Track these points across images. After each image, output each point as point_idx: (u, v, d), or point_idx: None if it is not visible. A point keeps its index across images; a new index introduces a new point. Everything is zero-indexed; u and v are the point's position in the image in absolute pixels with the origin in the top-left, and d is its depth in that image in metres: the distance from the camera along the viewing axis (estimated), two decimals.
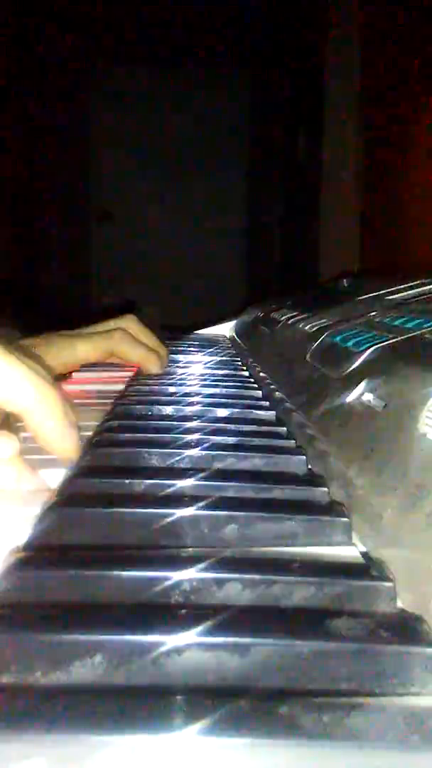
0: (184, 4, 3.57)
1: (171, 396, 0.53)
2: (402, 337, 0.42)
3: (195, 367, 0.71)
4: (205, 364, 0.74)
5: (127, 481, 0.31)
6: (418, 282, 0.65)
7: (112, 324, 0.67)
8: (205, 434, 0.40)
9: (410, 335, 0.42)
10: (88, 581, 0.22)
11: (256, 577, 0.22)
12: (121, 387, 0.60)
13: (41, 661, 0.18)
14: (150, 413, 0.48)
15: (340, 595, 0.22)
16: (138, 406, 0.49)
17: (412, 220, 1.64)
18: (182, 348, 0.88)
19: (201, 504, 0.28)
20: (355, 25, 2.15)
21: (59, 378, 0.67)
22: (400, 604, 0.22)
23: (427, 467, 0.26)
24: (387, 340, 0.42)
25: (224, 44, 3.66)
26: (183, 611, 0.21)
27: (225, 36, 3.65)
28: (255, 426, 0.43)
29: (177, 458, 0.36)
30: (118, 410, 0.48)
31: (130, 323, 0.68)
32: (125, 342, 0.66)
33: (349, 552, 0.26)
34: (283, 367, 0.60)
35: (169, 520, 0.27)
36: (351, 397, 0.38)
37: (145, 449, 0.37)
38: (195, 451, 0.36)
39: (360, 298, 0.69)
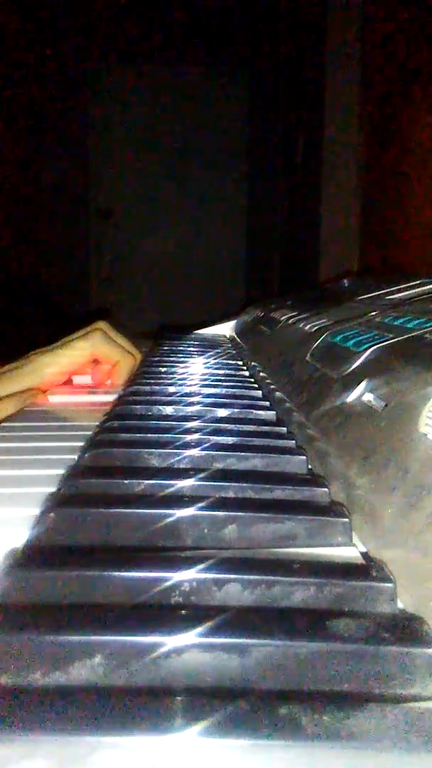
0: (183, 3, 3.57)
1: (171, 396, 0.53)
2: (402, 337, 0.42)
3: (195, 367, 0.71)
4: (205, 364, 0.74)
5: (126, 481, 0.31)
6: (418, 282, 0.65)
7: (82, 332, 0.67)
8: (205, 434, 0.40)
9: (410, 335, 0.42)
10: (88, 582, 0.22)
11: (256, 577, 0.22)
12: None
13: (41, 662, 0.18)
14: (150, 413, 0.48)
15: (340, 595, 0.22)
16: (138, 406, 0.49)
17: (412, 220, 1.63)
18: (182, 348, 0.88)
19: (201, 504, 0.28)
20: (354, 24, 2.15)
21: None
22: (400, 604, 0.22)
23: (427, 467, 0.26)
24: (387, 340, 0.42)
25: (224, 44, 3.66)
26: (183, 612, 0.21)
27: (225, 36, 3.65)
28: (255, 426, 0.43)
29: (177, 458, 0.36)
30: (118, 410, 0.48)
31: (104, 327, 0.68)
32: (104, 341, 0.66)
33: (350, 552, 0.26)
34: (283, 367, 0.60)
35: (169, 520, 0.27)
36: (351, 397, 0.38)
37: (145, 449, 0.36)
38: (195, 451, 0.36)
39: (360, 298, 0.69)
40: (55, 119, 3.68)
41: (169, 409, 0.48)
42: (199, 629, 0.19)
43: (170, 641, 0.19)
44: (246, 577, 0.22)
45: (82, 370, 0.67)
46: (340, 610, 0.21)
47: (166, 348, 0.87)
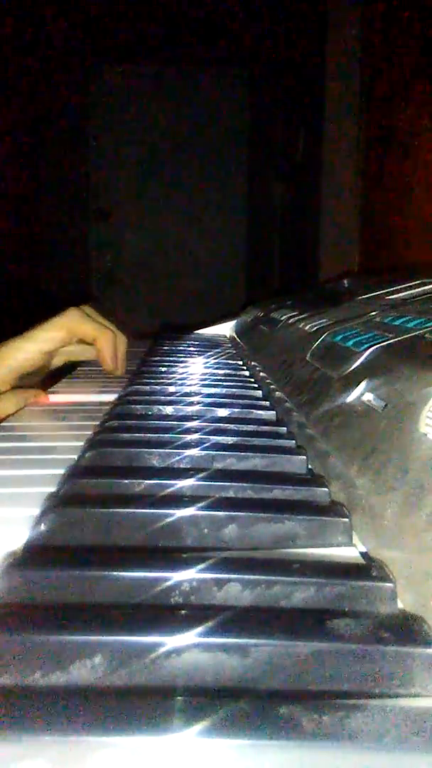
0: (184, 3, 3.57)
1: (171, 396, 0.53)
2: (402, 337, 0.42)
3: (195, 367, 0.71)
4: (205, 363, 0.74)
5: (127, 481, 0.31)
6: (418, 282, 0.65)
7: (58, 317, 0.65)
8: (205, 434, 0.40)
9: (410, 335, 0.42)
10: (88, 581, 0.22)
11: (256, 577, 0.22)
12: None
13: (41, 662, 0.18)
14: (150, 413, 0.48)
15: (340, 595, 0.22)
16: (138, 406, 0.49)
17: (412, 220, 1.63)
18: (182, 348, 0.88)
19: (201, 504, 0.28)
20: (355, 24, 2.15)
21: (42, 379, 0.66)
22: (400, 604, 0.22)
23: (427, 467, 0.26)
24: (387, 340, 0.42)
25: (224, 43, 3.66)
26: (183, 612, 0.21)
27: (225, 35, 3.64)
28: (255, 426, 0.43)
29: (177, 458, 0.36)
30: (118, 410, 0.48)
31: (83, 307, 0.66)
32: (81, 317, 0.64)
33: (350, 552, 0.26)
34: (283, 367, 0.60)
35: (169, 520, 0.27)
36: (351, 397, 0.38)
37: (145, 449, 0.36)
38: (195, 451, 0.36)
39: (360, 298, 0.69)
40: (55, 119, 3.68)
41: (169, 409, 0.48)
42: (199, 629, 0.19)
43: (170, 641, 0.19)
44: (246, 577, 0.22)
45: (59, 350, 0.65)
46: (340, 610, 0.21)
47: (166, 348, 0.87)
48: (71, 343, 0.65)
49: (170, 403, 0.49)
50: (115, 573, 0.22)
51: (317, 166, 2.44)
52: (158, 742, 0.15)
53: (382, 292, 0.67)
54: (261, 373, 0.65)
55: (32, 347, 0.61)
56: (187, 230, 3.87)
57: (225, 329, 1.18)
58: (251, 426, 0.43)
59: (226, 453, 0.36)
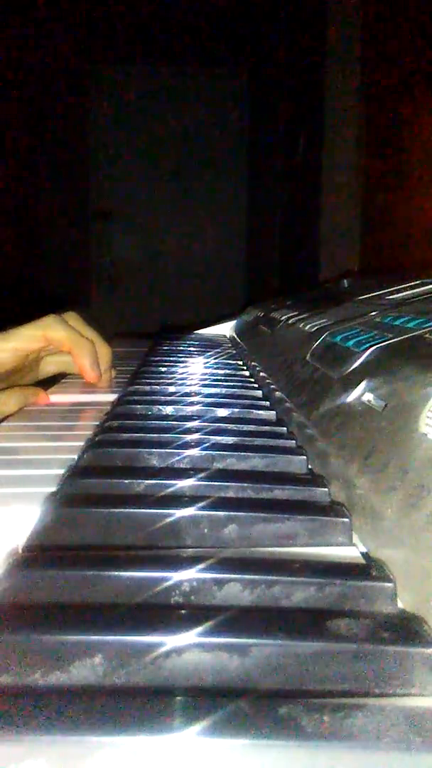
0: (184, 2, 3.57)
1: (171, 396, 0.53)
2: (402, 337, 0.42)
3: (195, 367, 0.71)
4: (205, 364, 0.74)
5: (127, 481, 0.31)
6: (418, 282, 0.65)
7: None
8: (205, 434, 0.40)
9: (410, 335, 0.42)
10: (88, 581, 0.22)
11: (256, 577, 0.22)
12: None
13: (41, 662, 0.18)
14: (150, 413, 0.48)
15: (340, 595, 0.22)
16: (138, 406, 0.49)
17: (412, 220, 1.63)
18: (182, 348, 0.88)
19: (201, 504, 0.28)
20: (355, 24, 2.15)
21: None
22: (400, 604, 0.22)
23: (427, 467, 0.26)
24: (387, 340, 0.42)
25: (224, 44, 3.66)
26: (183, 612, 0.21)
27: (225, 35, 3.64)
28: (255, 426, 0.43)
29: (177, 458, 0.36)
30: (118, 410, 0.48)
31: (67, 315, 0.64)
32: (57, 324, 0.61)
33: (350, 552, 0.26)
34: (283, 367, 0.60)
35: (169, 520, 0.27)
36: (351, 397, 0.38)
37: (145, 449, 0.37)
38: (195, 451, 0.36)
39: (360, 298, 0.69)
40: (55, 119, 3.68)
41: (169, 409, 0.48)
42: (199, 629, 0.19)
43: (170, 641, 0.19)
44: (246, 577, 0.22)
45: (37, 354, 0.63)
46: (340, 609, 0.21)
47: (166, 348, 0.87)
48: (47, 347, 0.63)
49: (170, 403, 0.49)
50: (115, 573, 0.22)
51: (317, 166, 2.43)
52: (158, 742, 0.15)
53: (382, 292, 0.67)
54: (261, 373, 0.65)
55: (6, 345, 0.59)
56: (187, 230, 3.87)
57: (225, 329, 1.19)
58: (251, 426, 0.43)
59: (226, 453, 0.36)
